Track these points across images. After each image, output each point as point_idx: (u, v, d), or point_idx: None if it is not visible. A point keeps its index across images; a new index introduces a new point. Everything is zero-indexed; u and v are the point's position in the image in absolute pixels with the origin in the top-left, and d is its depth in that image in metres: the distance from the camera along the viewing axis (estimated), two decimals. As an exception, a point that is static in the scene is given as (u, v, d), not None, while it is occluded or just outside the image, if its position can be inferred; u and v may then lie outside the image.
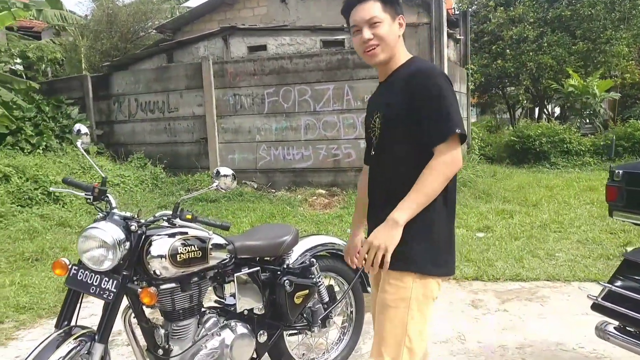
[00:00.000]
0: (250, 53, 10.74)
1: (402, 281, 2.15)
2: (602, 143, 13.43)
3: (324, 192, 9.80)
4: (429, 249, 2.15)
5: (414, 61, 2.26)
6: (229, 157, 10.72)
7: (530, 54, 17.62)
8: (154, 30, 14.95)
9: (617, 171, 4.98)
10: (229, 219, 8.29)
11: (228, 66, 10.53)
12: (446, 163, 2.02)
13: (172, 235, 2.70)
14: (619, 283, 2.83)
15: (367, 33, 2.17)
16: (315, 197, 9.53)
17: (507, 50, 18.06)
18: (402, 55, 2.28)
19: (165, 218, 2.72)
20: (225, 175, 2.64)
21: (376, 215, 2.25)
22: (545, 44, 17.66)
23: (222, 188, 2.64)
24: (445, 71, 9.29)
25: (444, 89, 2.07)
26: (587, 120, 16.60)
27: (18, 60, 14.14)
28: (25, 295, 5.18)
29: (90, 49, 14.17)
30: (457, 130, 2.02)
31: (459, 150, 2.05)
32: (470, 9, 18.91)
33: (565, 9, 17.89)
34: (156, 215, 2.75)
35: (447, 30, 9.77)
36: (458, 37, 13.03)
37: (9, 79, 10.17)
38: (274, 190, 10.22)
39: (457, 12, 17.57)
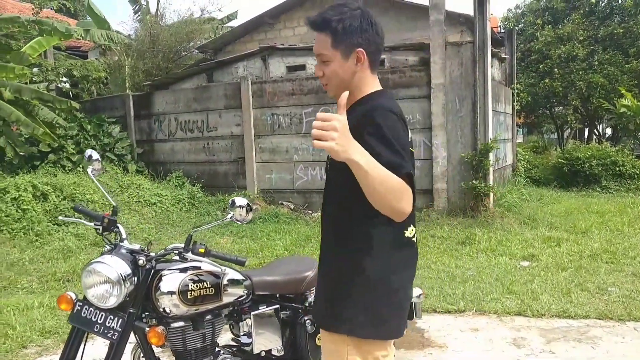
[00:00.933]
0: (289, 73, 10.64)
1: (334, 344, 1.94)
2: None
3: (362, 214, 9.53)
4: (367, 306, 1.90)
5: (371, 98, 2.00)
6: (266, 177, 10.59)
7: (580, 72, 17.05)
8: (196, 50, 15.08)
9: None
10: (263, 241, 8.13)
11: (266, 86, 10.45)
12: (401, 191, 1.74)
13: (183, 270, 2.53)
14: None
15: (317, 69, 2.01)
16: (352, 220, 9.27)
17: (555, 69, 17.51)
18: (364, 89, 2.02)
19: (177, 252, 2.55)
20: (241, 206, 2.45)
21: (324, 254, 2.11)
22: (596, 63, 17.07)
23: (237, 219, 2.45)
24: (489, 91, 9.02)
25: (382, 126, 1.83)
26: (641, 142, 15.90)
27: (65, 79, 14.44)
28: (52, 318, 5.09)
29: (133, 68, 14.34)
30: (406, 170, 1.78)
31: (408, 195, 1.77)
32: (516, 28, 18.50)
33: (618, 26, 17.29)
34: (167, 248, 2.59)
35: (492, 49, 9.45)
36: (503, 56, 12.67)
37: (51, 98, 10.32)
38: (310, 212, 10.03)
39: (502, 31, 17.16)
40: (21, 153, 10.13)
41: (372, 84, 2.05)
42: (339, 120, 1.64)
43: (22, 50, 10.20)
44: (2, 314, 5.18)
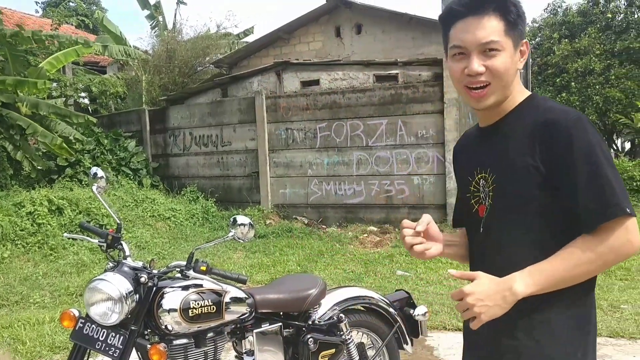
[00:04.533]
0: (303, 88, 10.69)
1: None
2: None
3: (375, 229, 9.51)
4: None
5: (537, 102, 1.64)
6: (280, 192, 10.61)
7: (597, 87, 16.93)
8: (211, 65, 15.22)
9: None
10: (276, 256, 8.14)
11: (281, 100, 10.50)
12: (617, 248, 1.46)
13: (185, 288, 2.54)
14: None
15: (476, 64, 1.55)
16: (366, 235, 9.25)
17: (572, 83, 17.41)
18: (518, 93, 1.65)
19: (179, 269, 2.56)
20: (242, 224, 2.45)
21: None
22: (613, 77, 16.94)
23: (238, 238, 2.46)
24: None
25: (598, 148, 1.48)
26: (660, 157, 15.69)
27: (83, 94, 14.65)
28: (62, 334, 5.11)
29: (150, 83, 14.51)
30: (627, 210, 1.45)
31: (635, 231, 1.47)
32: (533, 42, 18.42)
33: (634, 40, 17.15)
34: (169, 265, 2.61)
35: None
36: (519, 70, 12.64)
37: (68, 112, 10.47)
38: (324, 226, 10.01)
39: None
40: (38, 167, 10.27)
41: (522, 87, 1.70)
42: (471, 288, 1.46)
43: (39, 65, 10.36)
44: (13, 329, 5.22)
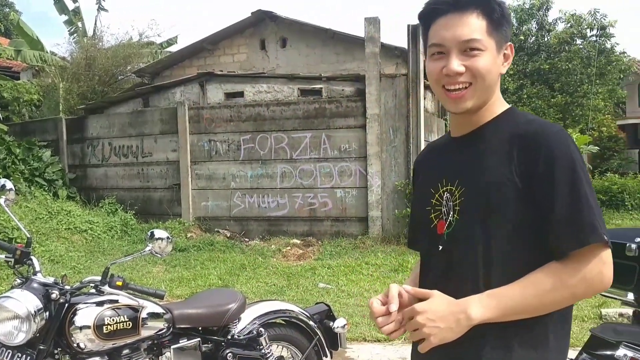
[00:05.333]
0: (227, 99, 10.63)
1: None
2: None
3: (298, 242, 9.55)
4: None
5: (516, 115, 1.53)
6: (202, 204, 10.47)
7: (511, 105, 17.77)
8: (133, 74, 14.87)
9: None
10: (197, 270, 8.01)
11: (204, 112, 10.40)
12: (588, 280, 1.34)
13: (99, 304, 2.47)
14: (585, 361, 2.61)
15: (455, 63, 1.43)
16: (289, 247, 9.27)
17: (488, 102, 18.20)
18: (498, 104, 1.54)
19: (93, 285, 2.49)
20: (160, 239, 2.41)
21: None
22: (525, 96, 17.86)
23: (156, 252, 2.42)
24: (422, 122, 9.27)
25: (578, 165, 1.37)
26: (567, 173, 16.64)
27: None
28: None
29: (68, 91, 14.00)
30: (605, 238, 1.33)
31: (609, 263, 1.36)
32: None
33: (544, 62, 18.17)
34: (83, 281, 2.53)
35: (425, 82, 9.73)
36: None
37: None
38: (247, 240, 9.96)
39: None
40: (-58, 177, 9.66)
41: (502, 98, 1.57)
42: (423, 307, 1.34)
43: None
44: None
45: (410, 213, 1.82)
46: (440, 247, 1.52)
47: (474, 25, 1.42)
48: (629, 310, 4.50)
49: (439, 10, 1.46)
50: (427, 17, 1.50)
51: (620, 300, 4.11)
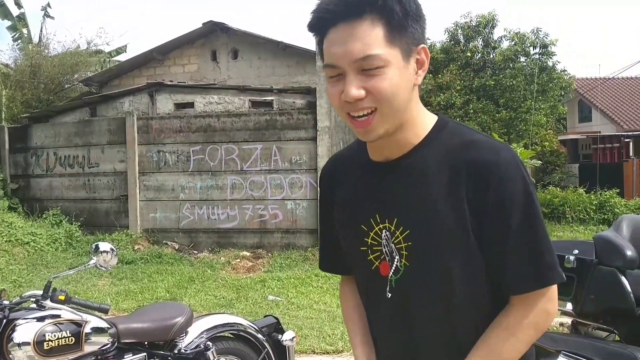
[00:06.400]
0: (177, 110, 10.52)
1: None
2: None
3: (248, 254, 9.49)
4: None
5: (451, 130, 1.33)
6: (150, 216, 10.29)
7: (458, 119, 18.17)
8: (80, 83, 14.55)
9: None
10: (144, 283, 7.88)
11: (153, 122, 10.26)
12: (536, 324, 1.26)
13: (40, 319, 2.41)
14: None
15: (353, 88, 1.18)
16: (238, 260, 9.20)
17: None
18: (422, 119, 1.33)
19: (34, 299, 2.43)
20: (105, 252, 2.39)
21: None
22: (472, 111, 18.30)
23: (100, 265, 2.39)
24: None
25: (534, 197, 1.24)
26: (511, 185, 17.13)
27: None
28: None
29: (11, 99, 13.58)
30: (563, 276, 1.27)
31: (555, 299, 1.28)
32: (400, 75, 19.46)
33: (490, 78, 18.68)
34: (23, 295, 2.47)
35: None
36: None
37: None
38: (196, 252, 9.84)
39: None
40: None
41: (426, 111, 1.37)
42: None
43: None
44: None
45: (323, 233, 1.61)
46: (390, 295, 1.35)
47: (368, 38, 1.15)
48: (569, 320, 4.68)
49: (327, 19, 1.19)
50: (318, 28, 1.23)
51: (560, 310, 4.29)
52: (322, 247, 1.64)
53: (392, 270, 1.33)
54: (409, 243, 1.28)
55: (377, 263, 1.36)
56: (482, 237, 1.24)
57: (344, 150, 1.55)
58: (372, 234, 1.35)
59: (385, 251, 1.33)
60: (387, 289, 1.35)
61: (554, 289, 1.27)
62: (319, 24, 1.22)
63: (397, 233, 1.30)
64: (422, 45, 1.25)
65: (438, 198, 1.24)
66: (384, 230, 1.33)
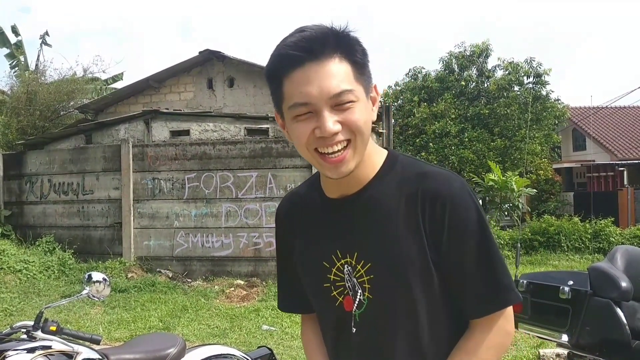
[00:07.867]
0: (173, 137, 10.55)
1: None
2: (519, 237, 13.77)
3: (242, 282, 9.43)
4: None
5: (401, 163, 1.38)
6: (144, 243, 10.23)
7: (453, 147, 18.36)
8: (76, 110, 14.61)
9: (521, 281, 4.34)
10: (137, 312, 7.79)
11: (148, 149, 10.27)
12: (497, 344, 1.33)
13: (31, 351, 2.38)
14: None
15: (330, 122, 1.21)
16: (232, 289, 9.14)
17: (431, 144, 18.73)
18: (374, 153, 1.37)
19: (25, 330, 2.40)
20: (97, 282, 2.37)
21: None
22: (466, 139, 18.46)
23: (93, 296, 2.37)
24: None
25: (485, 222, 1.31)
26: (506, 214, 17.13)
27: None
28: None
29: (6, 126, 13.61)
30: (520, 297, 1.34)
31: (512, 319, 1.35)
32: (395, 104, 19.64)
33: (484, 107, 18.89)
34: (14, 326, 2.44)
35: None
36: (380, 130, 13.36)
37: None
38: (190, 280, 9.77)
39: (380, 107, 18.23)
40: None
41: (377, 146, 1.42)
42: None
43: None
44: None
45: (281, 273, 1.61)
46: (355, 330, 1.36)
47: (339, 75, 1.21)
48: (565, 351, 4.63)
49: (293, 61, 1.22)
50: (279, 71, 1.26)
51: (555, 342, 4.25)
52: (281, 287, 1.64)
53: (356, 305, 1.35)
54: (371, 276, 1.32)
55: (340, 299, 1.38)
56: (440, 263, 1.29)
57: (298, 189, 1.58)
58: (334, 270, 1.38)
59: (348, 286, 1.36)
60: (352, 323, 1.37)
61: (510, 309, 1.33)
62: (284, 64, 1.24)
63: (359, 267, 1.33)
64: (374, 84, 1.33)
65: (397, 229, 1.29)
66: (345, 265, 1.36)
